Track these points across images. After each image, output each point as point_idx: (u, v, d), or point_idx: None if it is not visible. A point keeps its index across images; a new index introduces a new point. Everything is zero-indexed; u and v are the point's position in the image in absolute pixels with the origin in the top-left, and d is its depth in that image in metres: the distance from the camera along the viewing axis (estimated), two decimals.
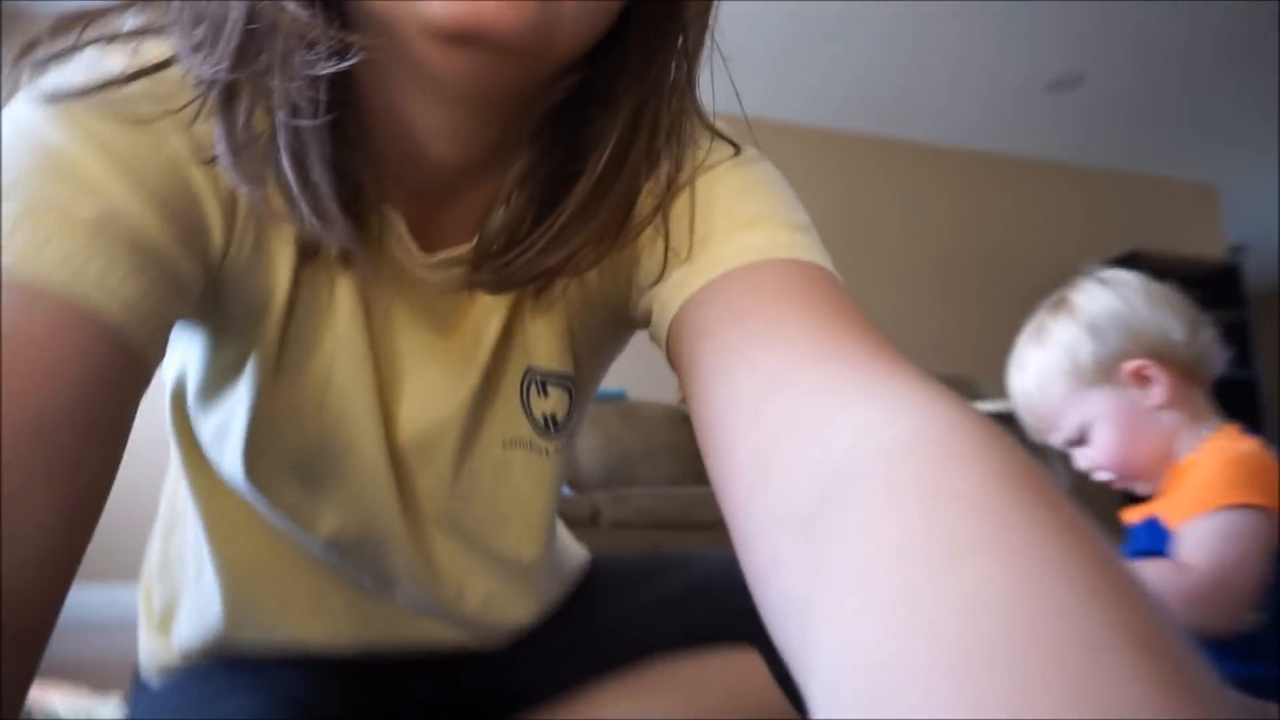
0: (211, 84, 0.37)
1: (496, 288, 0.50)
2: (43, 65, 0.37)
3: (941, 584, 0.20)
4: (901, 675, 0.18)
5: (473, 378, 0.53)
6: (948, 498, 0.23)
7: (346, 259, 0.46)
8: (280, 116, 0.37)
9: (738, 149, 0.49)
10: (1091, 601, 0.18)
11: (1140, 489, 1.04)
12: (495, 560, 0.61)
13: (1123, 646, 0.17)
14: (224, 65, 0.36)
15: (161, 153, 0.37)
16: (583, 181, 0.44)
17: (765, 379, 0.35)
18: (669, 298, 0.45)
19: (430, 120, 0.41)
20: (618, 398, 3.11)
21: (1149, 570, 0.87)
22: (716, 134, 0.49)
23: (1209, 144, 4.45)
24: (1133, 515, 1.01)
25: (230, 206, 0.41)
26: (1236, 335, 4.39)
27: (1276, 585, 0.86)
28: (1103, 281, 1.07)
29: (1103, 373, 1.02)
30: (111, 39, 0.38)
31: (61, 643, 0.31)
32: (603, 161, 0.44)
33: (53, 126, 0.35)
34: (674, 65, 0.44)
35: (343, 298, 0.48)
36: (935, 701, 0.17)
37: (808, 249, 0.44)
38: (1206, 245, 4.70)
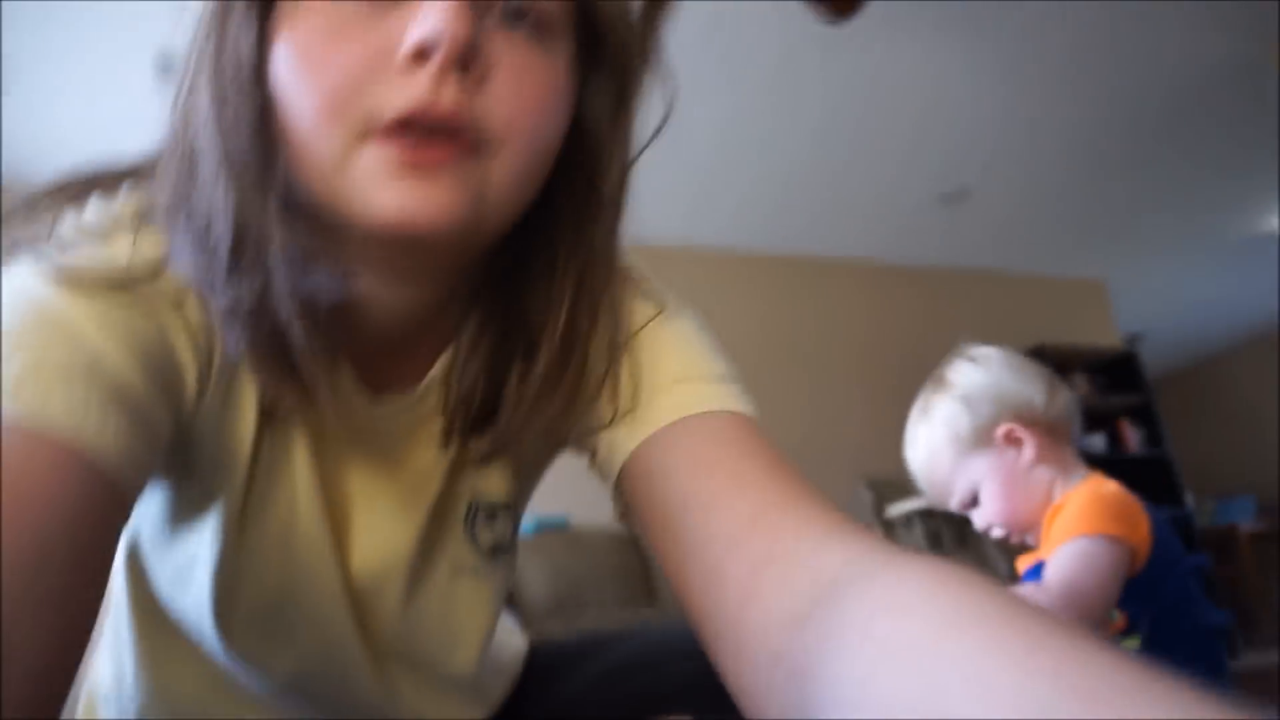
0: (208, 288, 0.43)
1: (487, 461, 0.55)
2: (25, 241, 0.42)
3: (956, 618, 0.26)
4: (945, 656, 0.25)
5: (420, 514, 0.56)
6: (940, 591, 0.28)
7: (303, 411, 0.49)
8: (278, 312, 0.43)
9: (661, 303, 0.55)
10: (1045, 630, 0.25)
11: (1031, 540, 1.15)
12: (446, 679, 0.63)
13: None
14: (218, 279, 0.42)
15: (149, 320, 0.42)
16: (543, 356, 0.49)
17: (744, 519, 0.40)
18: (619, 444, 0.50)
19: (373, 289, 0.47)
20: (560, 525, 3.13)
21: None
22: (644, 292, 0.55)
23: (1094, 243, 4.81)
24: (1023, 562, 1.12)
25: (205, 369, 0.46)
26: (1143, 417, 4.64)
27: (1140, 610, 0.96)
28: (972, 359, 1.21)
29: (980, 439, 1.14)
30: (108, 225, 0.44)
31: None
32: (558, 337, 0.49)
33: (55, 294, 0.39)
34: (600, 233, 0.50)
35: (298, 447, 0.51)
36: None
37: (736, 399, 0.50)
38: (1102, 336, 5.01)
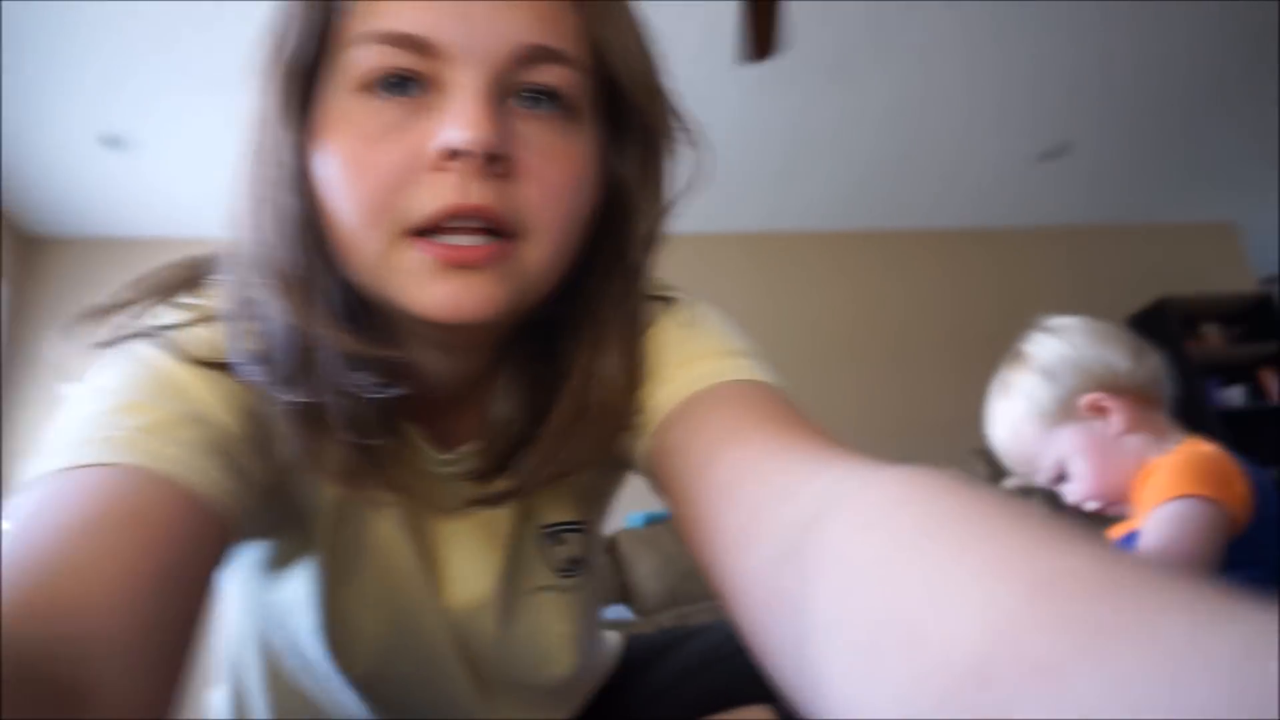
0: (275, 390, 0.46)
1: (519, 496, 0.57)
2: (135, 326, 0.48)
3: (912, 538, 0.26)
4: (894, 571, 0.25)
5: (500, 548, 0.60)
6: (910, 501, 0.28)
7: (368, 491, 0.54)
8: (338, 417, 0.47)
9: (670, 299, 0.57)
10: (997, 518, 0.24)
11: (1127, 512, 1.11)
12: (542, 689, 0.68)
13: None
14: (283, 386, 0.46)
15: (245, 385, 0.47)
16: (565, 400, 0.52)
17: (736, 471, 0.41)
18: (639, 447, 0.52)
19: (425, 361, 0.51)
20: (669, 518, 3.16)
21: None
22: (654, 297, 0.56)
23: (1219, 185, 4.49)
24: (1115, 533, 1.09)
25: None
26: None
27: (1241, 573, 0.92)
28: (1049, 330, 1.17)
29: (1064, 412, 1.11)
30: (201, 315, 0.48)
31: None
32: (578, 383, 0.51)
33: (169, 362, 0.45)
34: (631, 279, 0.52)
35: (385, 500, 0.55)
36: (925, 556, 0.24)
37: (750, 369, 0.50)
38: (1236, 282, 4.68)
